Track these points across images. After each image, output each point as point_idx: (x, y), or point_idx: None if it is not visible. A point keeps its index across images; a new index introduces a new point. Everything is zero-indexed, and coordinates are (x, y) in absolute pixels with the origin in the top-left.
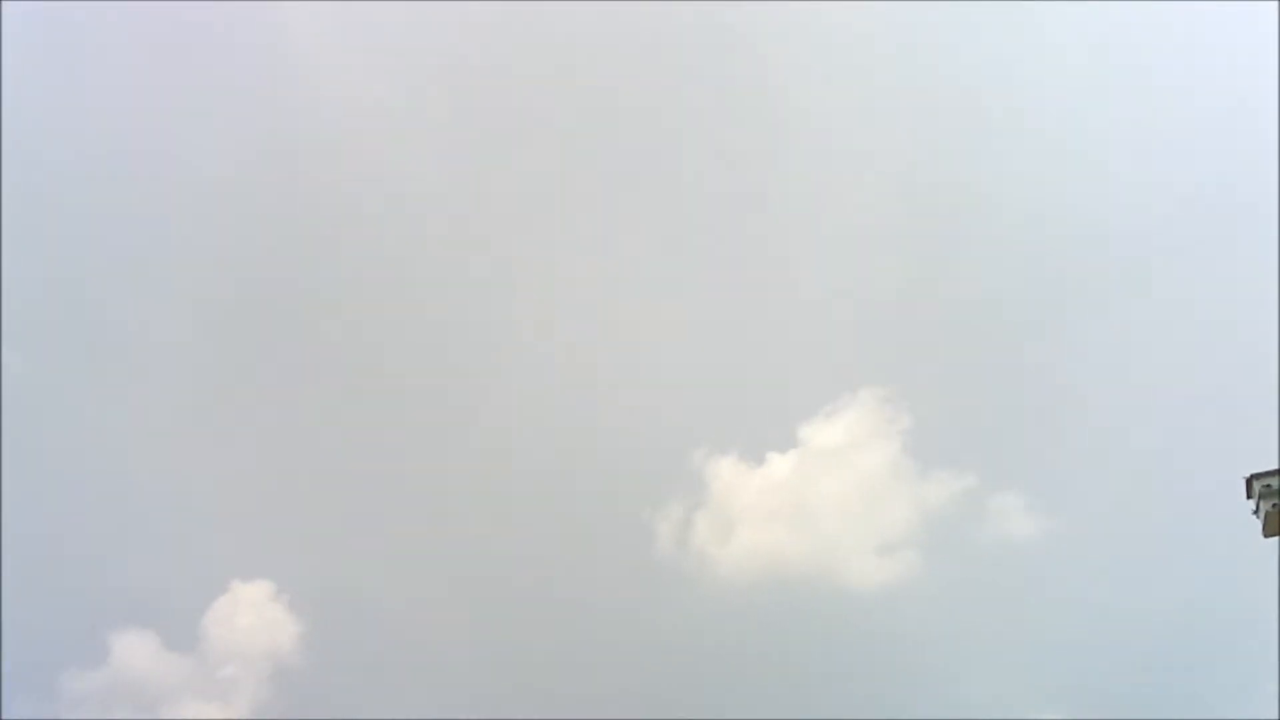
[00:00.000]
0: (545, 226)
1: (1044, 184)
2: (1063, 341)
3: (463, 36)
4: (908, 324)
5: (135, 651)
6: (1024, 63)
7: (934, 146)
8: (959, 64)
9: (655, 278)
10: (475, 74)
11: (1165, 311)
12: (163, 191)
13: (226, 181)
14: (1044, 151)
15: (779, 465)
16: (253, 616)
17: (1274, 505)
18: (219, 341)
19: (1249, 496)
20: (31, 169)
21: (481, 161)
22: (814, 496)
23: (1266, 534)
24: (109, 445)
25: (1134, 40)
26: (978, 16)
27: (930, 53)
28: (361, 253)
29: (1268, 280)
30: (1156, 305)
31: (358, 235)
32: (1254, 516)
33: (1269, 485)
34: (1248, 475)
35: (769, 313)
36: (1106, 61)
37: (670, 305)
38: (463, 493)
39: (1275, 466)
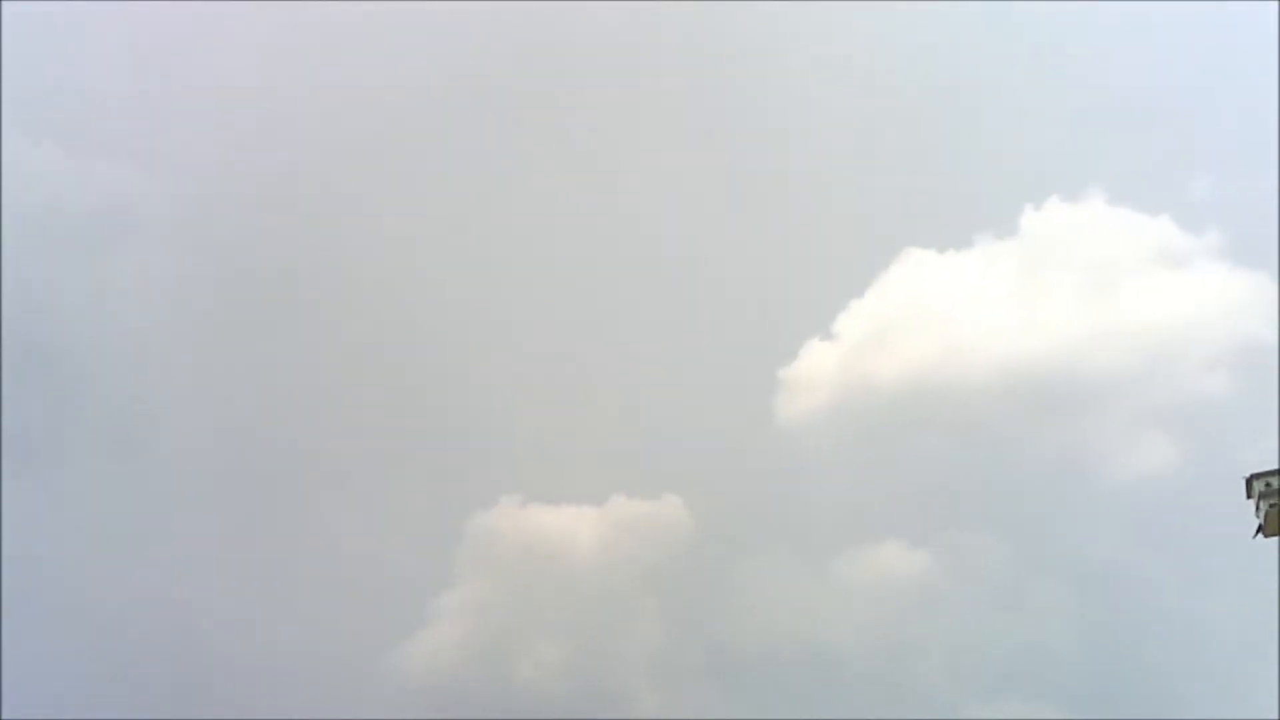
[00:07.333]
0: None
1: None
2: None
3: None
4: None
5: None
6: (1023, 63)
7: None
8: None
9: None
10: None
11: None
12: (157, 190)
13: (225, 180)
14: (1041, 150)
15: None
16: None
17: (1273, 505)
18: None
19: (1249, 496)
20: (30, 169)
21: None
22: None
23: (1266, 534)
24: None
25: (1133, 40)
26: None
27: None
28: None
29: (1267, 279)
30: None
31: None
32: (1254, 517)
33: (1269, 485)
34: (1248, 475)
35: None
36: (1105, 61)
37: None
38: None
39: (1275, 466)
